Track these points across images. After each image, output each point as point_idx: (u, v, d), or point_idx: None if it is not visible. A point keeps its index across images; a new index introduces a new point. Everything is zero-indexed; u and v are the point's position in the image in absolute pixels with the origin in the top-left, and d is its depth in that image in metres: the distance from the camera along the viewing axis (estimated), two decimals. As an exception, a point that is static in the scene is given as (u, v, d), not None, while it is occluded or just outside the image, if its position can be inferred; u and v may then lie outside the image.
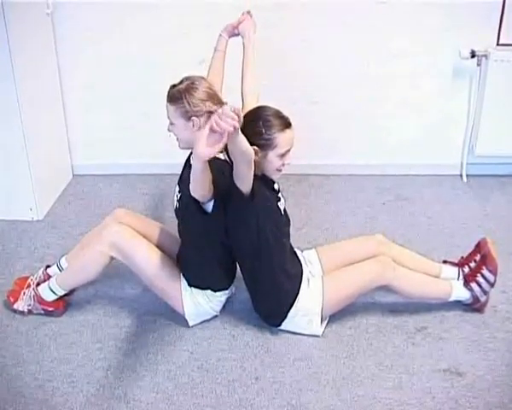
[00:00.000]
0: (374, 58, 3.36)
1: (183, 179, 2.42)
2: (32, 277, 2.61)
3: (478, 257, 2.59)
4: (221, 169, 2.24)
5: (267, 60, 3.35)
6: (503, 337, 2.44)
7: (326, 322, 2.48)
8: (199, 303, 2.44)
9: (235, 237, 2.36)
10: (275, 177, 2.37)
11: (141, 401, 2.17)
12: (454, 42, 3.27)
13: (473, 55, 3.24)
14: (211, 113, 2.23)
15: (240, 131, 1.89)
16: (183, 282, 2.42)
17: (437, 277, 2.60)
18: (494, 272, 2.50)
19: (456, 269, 2.63)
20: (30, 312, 2.53)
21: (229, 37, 2.67)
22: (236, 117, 1.78)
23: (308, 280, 2.45)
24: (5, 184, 3.09)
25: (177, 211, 2.43)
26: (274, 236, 2.34)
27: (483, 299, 2.52)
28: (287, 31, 3.32)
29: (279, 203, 2.41)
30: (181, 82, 2.28)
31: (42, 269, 2.63)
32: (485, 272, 2.51)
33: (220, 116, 1.77)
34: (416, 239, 3.02)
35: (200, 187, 2.11)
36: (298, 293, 2.40)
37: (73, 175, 3.64)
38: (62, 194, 3.45)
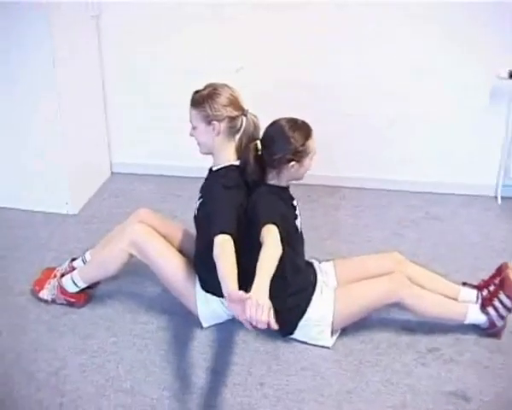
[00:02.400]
0: (410, 73, 3.34)
1: (205, 187, 2.49)
2: (58, 268, 2.74)
3: (498, 281, 2.55)
4: (239, 201, 2.29)
5: (302, 70, 3.43)
6: (517, 365, 2.40)
7: (337, 334, 2.49)
8: (212, 307, 2.49)
9: (249, 257, 2.19)
10: (303, 178, 2.43)
11: (146, 396, 2.24)
12: (492, 61, 3.21)
13: (511, 75, 3.18)
14: (231, 118, 2.33)
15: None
16: (198, 285, 2.48)
17: (455, 298, 2.56)
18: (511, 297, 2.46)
19: (475, 292, 2.58)
20: (53, 301, 2.65)
21: None
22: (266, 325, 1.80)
23: (321, 290, 2.47)
24: (44, 178, 3.24)
25: (195, 218, 2.48)
26: (289, 258, 2.33)
27: (500, 324, 2.47)
28: (322, 42, 3.34)
29: (296, 221, 2.45)
30: (204, 88, 2.36)
31: (68, 261, 2.75)
32: (502, 296, 2.46)
33: (256, 313, 1.79)
34: (441, 258, 2.99)
35: None
36: (308, 305, 2.41)
37: (112, 173, 3.79)
38: (99, 190, 3.59)
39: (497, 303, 2.46)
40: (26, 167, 3.23)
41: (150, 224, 2.57)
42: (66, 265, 2.73)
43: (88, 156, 3.45)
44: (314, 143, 2.35)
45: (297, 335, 2.47)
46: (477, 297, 2.57)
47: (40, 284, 2.68)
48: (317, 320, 2.42)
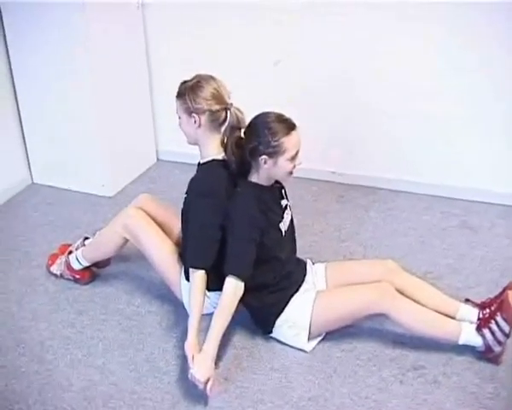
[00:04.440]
0: (454, 73, 3.08)
1: (190, 182, 2.44)
2: (73, 244, 2.89)
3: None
4: (215, 213, 2.29)
5: (341, 67, 3.30)
6: (506, 396, 2.15)
7: (319, 339, 2.39)
8: (195, 297, 2.51)
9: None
10: (287, 181, 2.35)
11: (114, 375, 2.31)
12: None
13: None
14: (212, 112, 2.31)
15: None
16: (184, 275, 2.49)
17: (452, 316, 2.35)
18: (509, 322, 2.19)
19: (476, 311, 2.36)
20: (62, 276, 2.80)
21: None
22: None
23: (304, 292, 2.39)
24: (82, 160, 3.42)
25: (182, 211, 2.48)
26: (265, 259, 2.29)
27: (497, 349, 2.23)
28: (359, 40, 3.19)
29: (280, 224, 2.36)
30: (191, 79, 2.36)
31: (80, 240, 2.86)
32: (499, 319, 2.22)
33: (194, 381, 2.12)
34: (462, 271, 2.76)
35: None
36: (287, 304, 2.35)
37: (158, 160, 3.89)
38: (140, 176, 3.70)
39: (493, 326, 2.23)
40: (66, 148, 3.43)
41: (148, 210, 2.62)
42: (78, 243, 2.85)
43: (131, 142, 3.57)
44: (292, 144, 2.21)
45: (275, 334, 2.41)
46: (478, 316, 2.35)
47: (53, 258, 2.85)
48: (294, 322, 2.35)
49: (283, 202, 2.43)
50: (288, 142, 2.21)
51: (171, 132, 3.82)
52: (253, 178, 2.32)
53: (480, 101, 3.10)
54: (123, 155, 3.51)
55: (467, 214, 3.17)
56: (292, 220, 2.48)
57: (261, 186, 2.32)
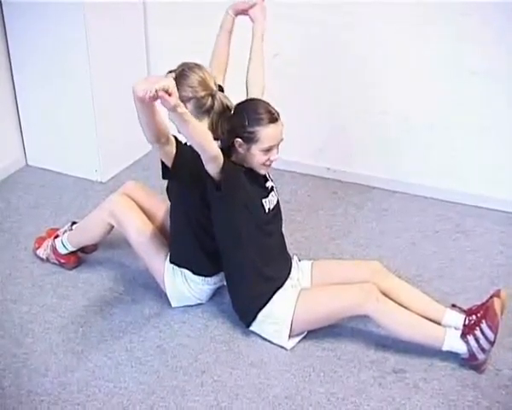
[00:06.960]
0: (453, 76, 3.03)
1: None
2: (61, 229, 2.86)
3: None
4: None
5: (341, 63, 3.25)
6: (487, 406, 2.11)
7: (300, 338, 2.36)
8: (178, 285, 2.48)
9: (214, 224, 2.36)
10: (262, 172, 2.32)
11: (91, 361, 2.30)
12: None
13: None
14: (197, 99, 2.29)
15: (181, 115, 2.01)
16: (168, 261, 2.48)
17: (437, 321, 2.30)
18: (493, 329, 2.15)
19: (462, 317, 2.31)
20: (47, 260, 2.78)
21: (236, 15, 2.61)
22: (152, 92, 1.95)
23: (288, 288, 2.36)
24: (76, 145, 3.39)
25: (167, 189, 2.49)
26: (249, 232, 2.29)
27: (481, 357, 2.19)
28: (364, 37, 3.13)
29: (264, 200, 2.34)
30: (176, 68, 2.34)
31: (68, 224, 2.84)
32: (484, 326, 2.18)
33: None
34: (450, 276, 2.71)
35: (146, 129, 2.21)
36: (270, 298, 2.32)
37: (153, 147, 3.84)
38: (134, 163, 3.65)
39: (478, 333, 2.19)
40: (61, 131, 3.41)
41: (134, 197, 2.61)
42: (66, 227, 2.82)
43: (126, 129, 3.46)
44: (266, 136, 2.20)
45: (256, 329, 2.38)
46: (464, 323, 2.31)
47: (40, 242, 2.83)
48: (276, 318, 2.32)
49: (268, 184, 2.40)
50: (263, 132, 2.21)
51: (167, 120, 3.82)
52: (234, 158, 2.31)
53: (479, 106, 3.03)
54: (117, 141, 3.47)
55: (462, 219, 3.11)
56: (278, 204, 2.43)
57: (243, 166, 2.30)
